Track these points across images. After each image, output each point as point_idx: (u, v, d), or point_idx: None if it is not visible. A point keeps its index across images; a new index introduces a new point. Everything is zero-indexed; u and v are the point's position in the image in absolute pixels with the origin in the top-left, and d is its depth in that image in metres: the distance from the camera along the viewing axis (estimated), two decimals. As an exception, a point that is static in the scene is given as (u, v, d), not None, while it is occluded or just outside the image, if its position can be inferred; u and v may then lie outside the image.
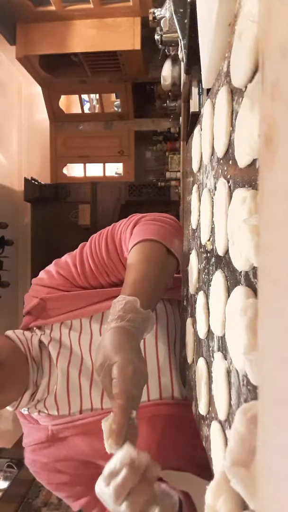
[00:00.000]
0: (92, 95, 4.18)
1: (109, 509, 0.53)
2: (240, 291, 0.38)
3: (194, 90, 1.05)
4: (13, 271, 3.60)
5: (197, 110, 1.04)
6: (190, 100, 1.07)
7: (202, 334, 0.57)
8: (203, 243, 0.59)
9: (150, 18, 1.94)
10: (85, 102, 4.11)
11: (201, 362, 0.58)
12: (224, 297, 0.44)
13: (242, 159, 0.37)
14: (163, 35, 1.76)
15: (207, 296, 0.56)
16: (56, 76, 3.43)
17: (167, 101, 2.82)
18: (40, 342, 0.80)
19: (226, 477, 0.27)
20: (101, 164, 4.06)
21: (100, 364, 0.56)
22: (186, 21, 0.73)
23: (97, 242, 0.83)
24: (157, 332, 0.80)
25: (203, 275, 0.60)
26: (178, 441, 0.74)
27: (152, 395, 0.76)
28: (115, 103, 4.15)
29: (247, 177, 0.37)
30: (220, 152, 0.47)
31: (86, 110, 4.13)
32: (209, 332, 0.53)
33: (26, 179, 3.69)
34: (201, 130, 0.62)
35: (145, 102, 3.89)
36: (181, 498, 0.65)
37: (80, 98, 3.92)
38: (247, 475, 0.26)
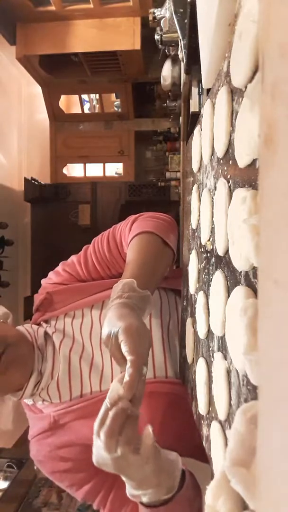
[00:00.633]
0: (92, 95, 4.18)
1: (108, 469, 0.55)
2: (240, 291, 0.38)
3: (194, 90, 1.05)
4: (13, 271, 3.60)
5: (197, 110, 1.04)
6: (190, 100, 1.07)
7: (202, 334, 0.57)
8: (203, 243, 0.59)
9: (150, 18, 1.94)
10: (85, 102, 4.11)
11: (201, 362, 0.58)
12: (224, 297, 0.44)
13: (242, 159, 0.37)
14: (163, 35, 1.75)
15: (207, 296, 0.56)
16: (56, 76, 3.43)
17: (167, 101, 2.82)
18: (46, 333, 0.85)
19: (226, 477, 0.27)
20: (101, 164, 4.06)
21: (107, 335, 0.60)
22: (186, 21, 0.73)
23: (99, 241, 0.91)
24: (150, 315, 0.85)
25: (203, 275, 0.60)
26: (174, 419, 0.76)
27: (146, 374, 0.78)
28: (115, 103, 4.16)
29: (247, 177, 0.37)
30: (220, 152, 0.47)
31: (86, 110, 4.13)
32: (209, 332, 0.53)
33: (26, 179, 3.69)
34: (201, 130, 0.62)
35: (145, 102, 3.89)
36: (184, 469, 0.66)
37: (80, 98, 3.92)
38: (247, 475, 0.26)
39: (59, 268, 0.94)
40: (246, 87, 0.36)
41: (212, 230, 0.53)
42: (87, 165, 4.06)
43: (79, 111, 4.02)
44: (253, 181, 0.35)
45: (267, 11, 0.20)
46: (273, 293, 0.20)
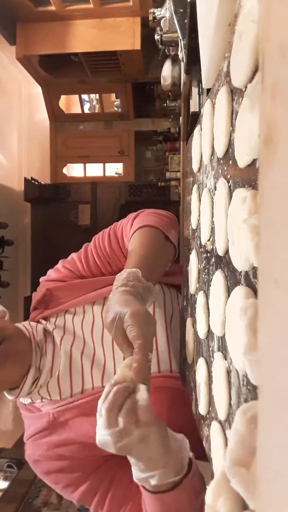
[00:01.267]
0: (92, 95, 4.18)
1: (111, 448, 0.53)
2: (240, 291, 0.38)
3: (194, 90, 1.05)
4: (13, 271, 3.60)
5: (197, 110, 1.04)
6: (190, 100, 1.07)
7: (202, 334, 0.57)
8: (203, 243, 0.59)
9: (150, 18, 1.94)
10: (85, 102, 4.11)
11: (201, 362, 0.58)
12: (224, 297, 0.44)
13: (242, 159, 0.37)
14: (163, 35, 1.75)
15: (207, 296, 0.56)
16: (56, 76, 3.43)
17: (167, 101, 2.82)
18: (45, 330, 0.84)
19: (226, 477, 0.27)
20: (101, 164, 4.06)
21: (111, 320, 0.59)
22: (186, 21, 0.73)
23: (100, 238, 0.91)
24: (154, 309, 0.85)
25: (203, 275, 0.60)
26: (179, 414, 0.75)
27: (151, 368, 0.77)
28: (115, 103, 4.15)
29: (247, 177, 0.37)
30: (220, 152, 0.47)
31: (86, 110, 4.13)
32: (209, 332, 0.53)
33: (26, 179, 3.69)
34: (201, 130, 0.62)
35: (145, 102, 3.89)
36: (191, 455, 0.65)
37: (80, 98, 3.92)
38: (247, 475, 0.26)
39: (58, 265, 0.94)
40: (246, 87, 0.36)
41: (212, 230, 0.53)
42: (87, 165, 4.06)
43: (79, 111, 4.02)
44: (253, 181, 0.35)
45: (267, 11, 0.20)
46: (273, 293, 0.20)
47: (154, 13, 1.91)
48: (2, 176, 3.75)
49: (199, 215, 0.63)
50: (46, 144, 3.98)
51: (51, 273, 0.94)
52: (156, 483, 0.57)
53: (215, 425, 0.48)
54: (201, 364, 0.57)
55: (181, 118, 1.90)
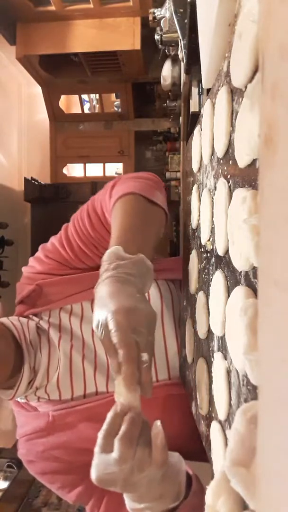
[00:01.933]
0: (92, 95, 4.18)
1: (115, 486, 0.48)
2: (240, 291, 0.38)
3: (194, 90, 1.05)
4: (13, 271, 3.60)
5: (197, 110, 1.04)
6: (190, 100, 1.07)
7: (202, 334, 0.57)
8: (203, 243, 0.59)
9: (150, 18, 1.94)
10: (85, 102, 4.11)
11: (201, 362, 0.58)
12: (224, 297, 0.44)
13: (242, 159, 0.37)
14: (163, 35, 1.75)
15: (207, 296, 0.56)
16: (56, 76, 3.43)
17: (167, 101, 2.81)
18: (38, 327, 0.77)
19: (226, 477, 0.27)
20: (101, 164, 4.05)
21: (96, 325, 0.52)
22: (186, 21, 0.73)
23: (80, 218, 0.80)
24: (163, 312, 0.79)
25: (203, 275, 0.60)
26: (179, 419, 0.73)
27: (161, 375, 0.76)
28: (115, 103, 4.15)
29: (247, 177, 0.37)
30: (220, 152, 0.47)
31: (86, 110, 4.13)
32: (209, 332, 0.53)
33: (26, 179, 3.68)
34: (201, 130, 0.62)
35: (145, 102, 3.88)
36: (190, 473, 0.62)
37: (80, 98, 3.92)
38: (247, 475, 0.26)
39: (40, 254, 0.83)
40: (246, 87, 0.36)
41: (212, 230, 0.53)
42: (87, 165, 4.06)
43: (79, 111, 4.02)
44: (253, 181, 0.35)
45: (267, 11, 0.20)
46: (273, 293, 0.20)
47: (154, 13, 1.91)
48: (2, 176, 3.74)
49: (199, 215, 0.63)
50: (46, 144, 3.98)
51: (34, 264, 0.83)
52: None
53: (215, 425, 0.48)
54: (201, 364, 0.57)
55: (181, 118, 1.89)
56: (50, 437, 0.76)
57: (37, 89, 3.74)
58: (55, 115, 3.91)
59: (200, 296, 0.59)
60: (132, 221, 0.65)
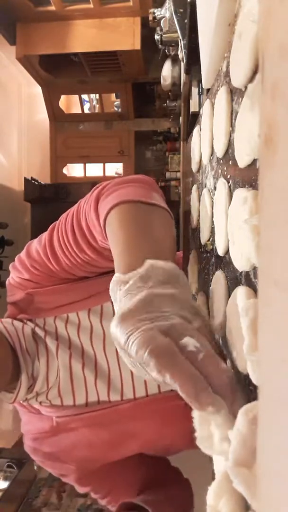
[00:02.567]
0: (92, 95, 4.18)
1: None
2: (241, 291, 0.38)
3: (194, 90, 1.05)
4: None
5: (197, 110, 1.04)
6: (190, 100, 1.07)
7: (202, 334, 0.57)
8: (203, 243, 0.59)
9: (150, 18, 1.94)
10: (85, 102, 4.12)
11: (201, 362, 0.58)
12: (224, 297, 0.44)
13: (242, 159, 0.37)
14: (163, 35, 1.75)
15: (207, 296, 0.56)
16: (56, 76, 3.43)
17: (167, 101, 2.82)
18: (34, 333, 0.75)
19: (228, 478, 0.27)
20: (101, 164, 4.06)
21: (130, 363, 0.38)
22: (186, 21, 0.73)
23: (64, 230, 0.67)
24: None
25: (203, 275, 0.60)
26: (189, 428, 0.73)
27: (164, 386, 0.76)
28: (115, 103, 4.16)
29: (247, 177, 0.37)
30: (219, 152, 0.47)
31: (86, 110, 4.13)
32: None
33: (26, 179, 3.69)
34: (200, 130, 0.62)
35: (145, 102, 3.89)
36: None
37: (80, 98, 3.93)
38: (249, 476, 0.26)
39: (26, 260, 0.73)
40: (246, 87, 0.36)
41: (212, 230, 0.53)
42: (87, 165, 4.07)
43: (79, 111, 4.02)
44: (253, 181, 0.35)
45: (267, 11, 0.20)
46: (273, 293, 0.20)
47: (154, 13, 1.91)
48: (2, 176, 3.75)
49: (199, 215, 0.63)
50: (46, 144, 3.98)
51: (21, 270, 0.74)
52: None
53: (215, 425, 0.48)
54: (201, 364, 0.57)
55: (181, 118, 1.89)
56: (55, 438, 0.76)
57: (37, 89, 3.75)
58: (55, 115, 3.91)
59: (200, 296, 0.59)
60: (134, 231, 0.51)
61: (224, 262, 0.46)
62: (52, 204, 3.86)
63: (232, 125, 0.42)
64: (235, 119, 0.40)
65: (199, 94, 1.02)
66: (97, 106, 4.06)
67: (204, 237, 0.57)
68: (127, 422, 0.74)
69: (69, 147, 3.99)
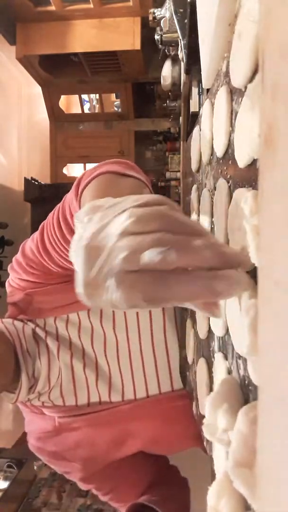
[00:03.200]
0: (92, 95, 4.18)
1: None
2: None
3: (194, 90, 1.05)
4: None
5: (197, 110, 1.04)
6: (190, 100, 1.07)
7: (202, 334, 0.57)
8: (203, 243, 0.59)
9: (150, 18, 1.94)
10: (85, 102, 4.12)
11: (201, 362, 0.58)
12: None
13: (242, 159, 0.37)
14: (163, 35, 1.75)
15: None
16: (56, 76, 3.43)
17: (167, 101, 2.81)
18: (34, 333, 0.75)
19: (229, 478, 0.27)
20: (101, 164, 4.06)
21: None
22: (186, 21, 0.73)
23: (51, 225, 0.66)
24: (165, 326, 0.78)
25: (203, 275, 0.60)
26: (192, 425, 0.73)
27: (164, 387, 0.77)
28: (115, 103, 4.16)
29: (247, 177, 0.37)
30: (219, 152, 0.47)
31: (86, 110, 4.13)
32: (210, 332, 0.53)
33: (26, 179, 3.69)
34: (200, 130, 0.62)
35: (145, 102, 3.89)
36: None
37: (80, 98, 3.92)
38: (250, 476, 0.26)
39: (21, 260, 0.73)
40: (245, 87, 0.36)
41: (212, 230, 0.53)
42: (87, 165, 4.06)
43: (79, 111, 4.02)
44: (253, 181, 0.35)
45: (267, 11, 0.20)
46: (273, 293, 0.20)
47: (154, 13, 1.90)
48: (2, 176, 3.75)
49: (199, 215, 0.63)
50: (46, 144, 3.98)
51: (19, 270, 0.74)
52: None
53: (215, 425, 0.48)
54: (202, 365, 0.57)
55: (181, 118, 1.89)
56: (59, 437, 0.77)
57: (37, 89, 3.74)
58: (55, 115, 3.91)
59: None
60: (102, 192, 0.52)
61: (224, 262, 0.46)
62: (52, 204, 3.81)
63: (232, 125, 0.42)
64: (235, 119, 0.40)
65: (199, 94, 1.02)
66: (97, 106, 4.06)
67: (204, 237, 0.57)
68: (128, 422, 0.75)
69: (69, 147, 3.99)
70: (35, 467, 2.30)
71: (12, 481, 2.26)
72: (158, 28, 1.85)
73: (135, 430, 0.76)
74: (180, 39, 0.96)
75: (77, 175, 4.29)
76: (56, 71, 3.39)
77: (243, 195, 0.36)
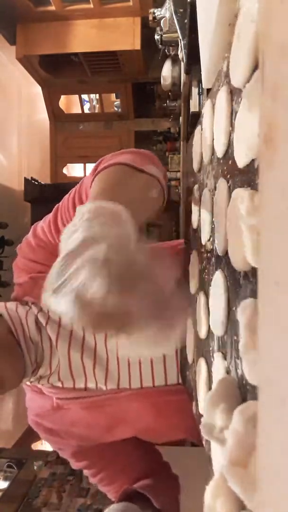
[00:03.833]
0: (92, 95, 4.19)
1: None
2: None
3: (194, 90, 1.05)
4: (13, 271, 3.60)
5: (197, 110, 1.04)
6: (190, 100, 1.08)
7: (202, 334, 0.57)
8: (203, 243, 0.59)
9: (150, 18, 1.94)
10: (85, 102, 4.12)
11: (201, 362, 0.58)
12: (224, 297, 0.44)
13: (242, 159, 0.37)
14: (163, 35, 1.76)
15: (207, 296, 0.56)
16: (56, 76, 3.43)
17: (167, 101, 2.82)
18: (37, 319, 0.76)
19: (225, 477, 0.27)
20: (101, 164, 4.06)
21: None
22: (186, 21, 0.73)
23: (66, 207, 0.68)
24: None
25: (203, 275, 0.60)
26: (184, 420, 0.75)
27: (158, 381, 0.79)
28: (115, 103, 4.16)
29: (247, 177, 0.37)
30: (220, 152, 0.47)
31: (86, 110, 4.14)
32: (209, 332, 0.53)
33: (26, 179, 3.69)
34: (201, 130, 0.62)
35: (145, 102, 3.89)
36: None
37: (80, 98, 3.93)
38: (245, 475, 0.26)
39: (31, 239, 0.75)
40: (245, 87, 0.36)
41: (213, 230, 0.53)
42: (87, 165, 4.07)
43: (79, 111, 4.02)
44: (252, 181, 0.35)
45: (267, 11, 0.20)
46: (273, 293, 0.20)
47: (154, 13, 1.91)
48: (2, 176, 3.75)
49: (199, 215, 0.63)
50: (46, 144, 3.99)
51: (27, 250, 0.76)
52: None
53: (215, 425, 0.48)
54: (201, 364, 0.57)
55: (181, 118, 1.90)
56: (56, 415, 0.80)
57: (37, 89, 3.75)
58: (55, 115, 3.92)
59: (201, 296, 0.59)
60: (111, 186, 0.54)
61: (224, 262, 0.46)
62: (52, 204, 3.82)
63: (232, 125, 0.42)
64: (235, 119, 0.40)
65: (199, 94, 1.02)
66: (97, 106, 4.07)
67: (204, 237, 0.57)
68: (122, 409, 0.78)
69: (69, 147, 4.00)
70: (35, 467, 2.30)
71: (12, 481, 2.26)
72: (158, 28, 1.85)
73: (128, 417, 0.79)
74: (180, 39, 0.96)
75: (77, 175, 4.29)
76: (56, 71, 3.39)
77: (241, 195, 0.36)
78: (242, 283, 0.39)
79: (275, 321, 0.20)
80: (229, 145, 0.43)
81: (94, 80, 3.50)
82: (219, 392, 0.36)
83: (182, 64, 1.15)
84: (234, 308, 0.40)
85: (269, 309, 0.21)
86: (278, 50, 0.19)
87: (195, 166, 0.68)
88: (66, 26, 2.97)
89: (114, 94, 4.08)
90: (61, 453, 0.87)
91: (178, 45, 1.42)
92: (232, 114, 0.42)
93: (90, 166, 4.07)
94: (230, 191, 0.43)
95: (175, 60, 2.15)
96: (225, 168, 0.46)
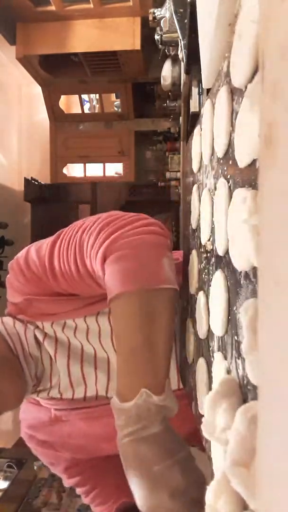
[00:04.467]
0: (92, 95, 4.18)
1: None
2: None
3: (194, 90, 1.05)
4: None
5: (197, 110, 1.04)
6: (190, 100, 1.07)
7: (202, 334, 0.57)
8: (203, 243, 0.59)
9: (150, 18, 1.94)
10: (85, 102, 4.12)
11: (201, 362, 0.58)
12: (224, 297, 0.44)
13: (242, 159, 0.37)
14: (163, 35, 1.75)
15: (207, 296, 0.56)
16: (56, 76, 3.43)
17: (167, 101, 2.82)
18: (35, 335, 0.77)
19: (227, 478, 0.27)
20: (101, 164, 4.06)
21: None
22: (186, 21, 0.73)
23: (66, 261, 0.66)
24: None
25: (203, 275, 0.60)
26: (184, 426, 0.74)
27: (173, 385, 0.78)
28: (115, 103, 4.16)
29: (247, 177, 0.37)
30: (220, 152, 0.47)
31: (86, 110, 4.13)
32: (209, 332, 0.53)
33: (26, 179, 3.69)
34: (201, 130, 0.62)
35: (145, 102, 3.89)
36: None
37: (80, 98, 3.93)
38: (247, 475, 0.26)
39: (25, 271, 0.71)
40: (246, 87, 0.36)
41: (212, 230, 0.53)
42: (87, 165, 4.07)
43: (79, 111, 4.02)
44: (253, 181, 0.35)
45: (267, 11, 0.20)
46: (273, 293, 0.20)
47: (154, 13, 1.91)
48: (2, 176, 3.75)
49: (199, 215, 0.63)
50: (46, 144, 3.98)
51: (20, 278, 0.73)
52: None
53: (215, 425, 0.48)
54: (201, 364, 0.57)
55: (181, 118, 1.89)
56: (52, 428, 0.79)
57: (37, 89, 3.75)
58: (55, 115, 3.92)
59: (200, 296, 0.59)
60: (138, 339, 0.58)
61: (224, 262, 0.46)
62: (52, 204, 3.87)
63: (232, 125, 0.42)
64: (235, 119, 0.40)
65: (199, 94, 1.02)
66: (97, 106, 4.06)
67: (204, 237, 0.57)
68: None
69: (69, 147, 4.00)
70: (35, 467, 2.30)
71: (12, 481, 2.26)
72: (158, 28, 1.85)
73: None
74: (180, 39, 0.96)
75: (77, 175, 4.27)
76: (56, 71, 3.39)
77: (242, 195, 0.36)
78: (243, 283, 0.39)
79: (275, 321, 0.20)
80: (230, 145, 0.43)
81: (94, 80, 3.51)
82: (220, 392, 0.36)
83: (182, 64, 1.15)
84: (234, 308, 0.40)
85: (269, 309, 0.21)
86: (278, 50, 0.19)
87: (195, 166, 0.68)
88: (66, 26, 2.97)
89: (114, 94, 4.08)
90: (53, 468, 0.84)
91: (178, 45, 1.42)
92: (233, 114, 0.42)
93: (90, 166, 4.07)
94: (230, 191, 0.43)
95: (175, 60, 2.15)
96: (225, 168, 0.46)
